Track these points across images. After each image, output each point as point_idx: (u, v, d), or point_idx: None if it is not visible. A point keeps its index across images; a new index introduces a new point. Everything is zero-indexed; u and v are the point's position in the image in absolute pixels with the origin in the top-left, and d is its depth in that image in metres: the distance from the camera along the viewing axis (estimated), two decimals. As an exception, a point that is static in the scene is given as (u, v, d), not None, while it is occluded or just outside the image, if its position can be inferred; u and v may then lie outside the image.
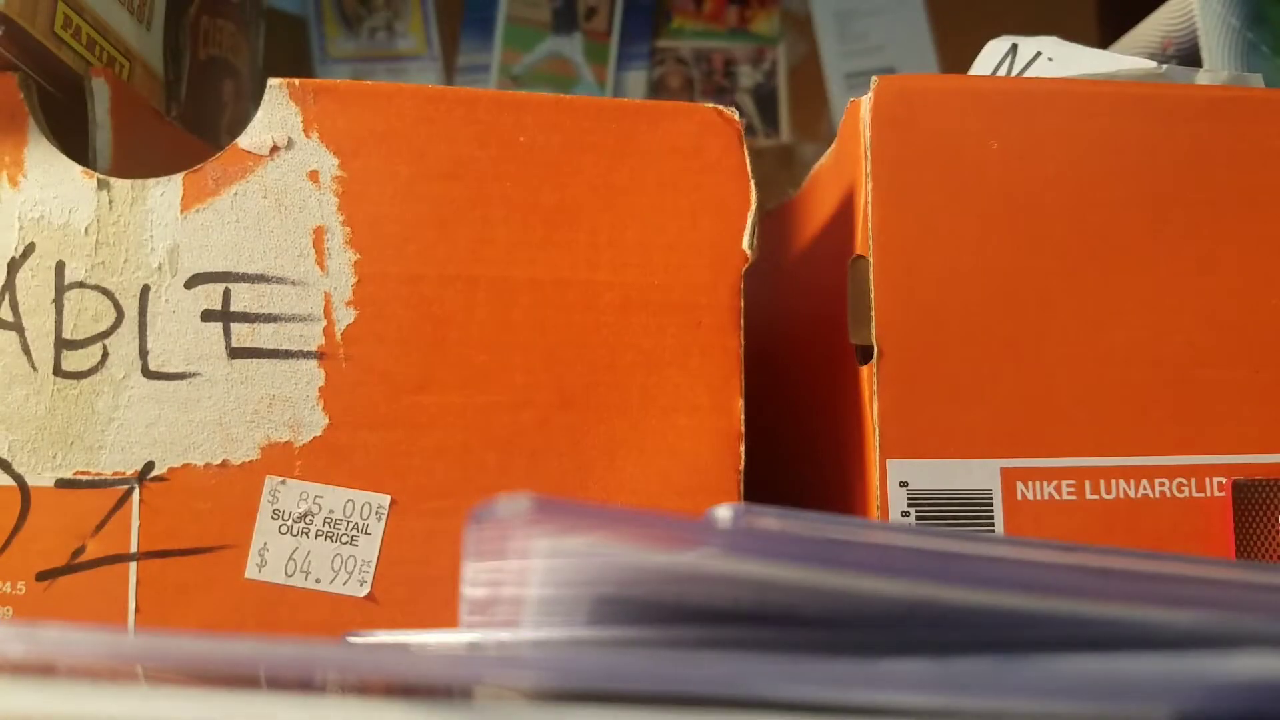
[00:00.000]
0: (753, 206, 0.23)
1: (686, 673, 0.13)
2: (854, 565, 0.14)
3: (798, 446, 0.28)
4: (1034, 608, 0.14)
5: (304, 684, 0.15)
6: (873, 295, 0.22)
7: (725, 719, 0.13)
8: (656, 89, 0.53)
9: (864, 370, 0.22)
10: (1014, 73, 0.28)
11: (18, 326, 0.21)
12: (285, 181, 0.22)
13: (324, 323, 0.22)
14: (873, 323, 0.22)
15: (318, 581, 0.21)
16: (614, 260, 0.22)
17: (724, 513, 0.15)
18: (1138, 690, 0.13)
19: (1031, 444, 0.21)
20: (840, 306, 0.23)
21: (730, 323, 0.22)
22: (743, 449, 0.22)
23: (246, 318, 0.21)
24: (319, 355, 0.21)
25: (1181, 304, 0.22)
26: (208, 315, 0.21)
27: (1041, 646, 0.14)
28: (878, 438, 0.21)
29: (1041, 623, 0.14)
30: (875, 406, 0.22)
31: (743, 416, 0.22)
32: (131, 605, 0.20)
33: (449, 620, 0.21)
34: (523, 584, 0.14)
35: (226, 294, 0.21)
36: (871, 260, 0.22)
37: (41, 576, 0.20)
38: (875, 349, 0.22)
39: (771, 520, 0.15)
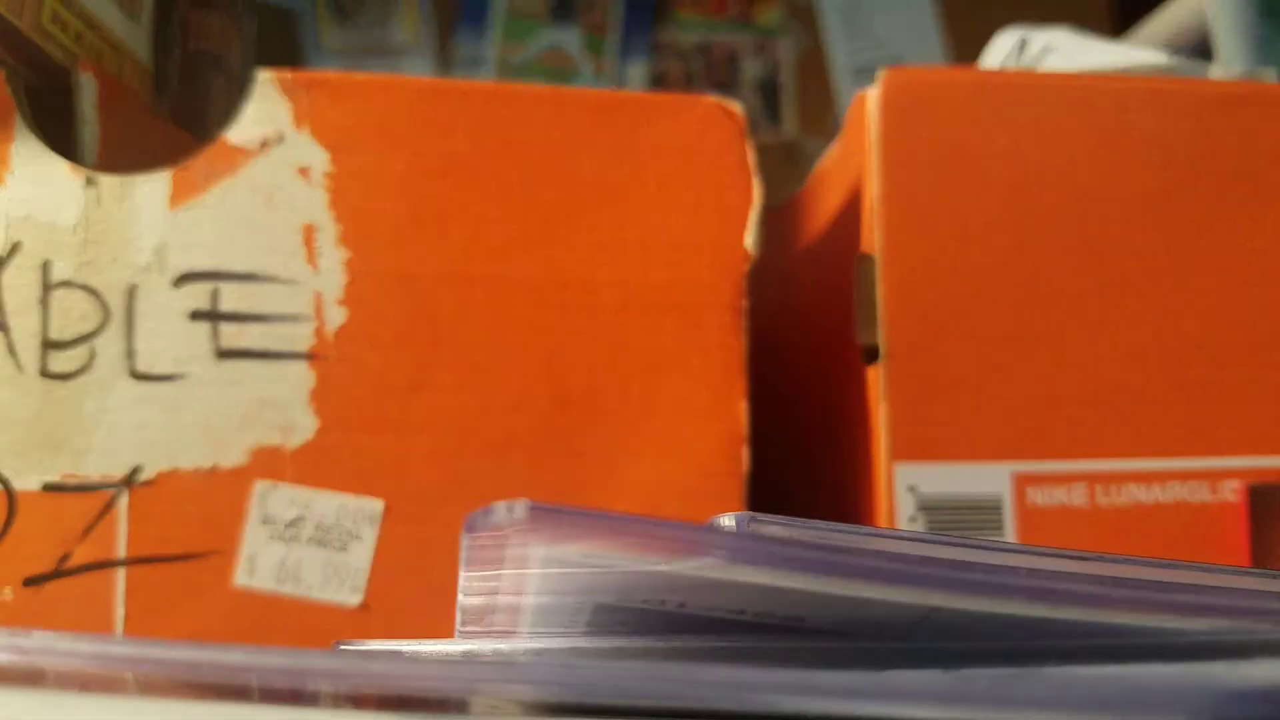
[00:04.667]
0: (756, 203, 0.22)
1: (688, 684, 0.13)
2: (862, 573, 0.14)
3: (803, 450, 0.28)
4: (1046, 616, 0.14)
5: (296, 693, 0.14)
6: (880, 294, 0.21)
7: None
8: (657, 82, 0.52)
9: (871, 371, 0.22)
10: (1023, 65, 0.28)
11: (4, 327, 0.21)
12: (275, 177, 0.21)
13: (315, 323, 0.21)
14: (880, 323, 0.21)
15: (309, 589, 0.20)
16: (614, 259, 0.22)
17: (728, 520, 0.14)
18: (1153, 700, 0.13)
19: (1043, 447, 0.21)
20: (846, 306, 0.23)
21: (733, 323, 0.22)
22: (746, 452, 0.22)
23: (235, 317, 0.21)
24: (310, 356, 0.21)
25: (1195, 302, 0.22)
26: (196, 315, 0.21)
27: (1054, 656, 0.13)
28: (885, 441, 0.21)
29: (1054, 632, 0.14)
30: (883, 409, 0.21)
31: (746, 419, 0.22)
32: (119, 613, 0.20)
33: (444, 629, 0.20)
34: (519, 592, 0.14)
35: (215, 293, 0.21)
36: (878, 258, 0.22)
37: (28, 582, 0.20)
38: (882, 349, 0.21)
39: (777, 528, 0.15)
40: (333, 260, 0.21)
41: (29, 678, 0.14)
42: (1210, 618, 0.14)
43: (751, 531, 0.15)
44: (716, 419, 0.22)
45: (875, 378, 0.21)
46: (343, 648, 0.18)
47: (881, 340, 0.21)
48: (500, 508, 0.13)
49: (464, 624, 0.15)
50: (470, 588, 0.15)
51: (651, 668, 0.13)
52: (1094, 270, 0.22)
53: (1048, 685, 0.13)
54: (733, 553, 0.14)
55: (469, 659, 0.15)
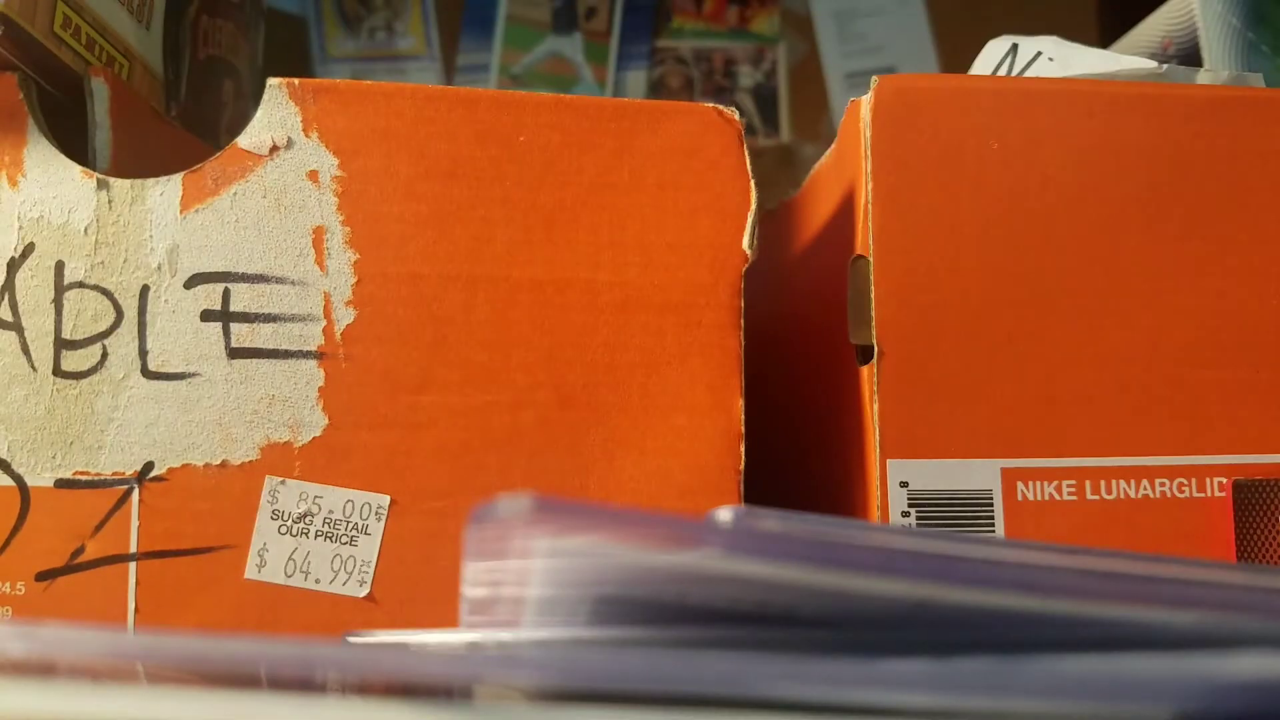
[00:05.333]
0: (753, 206, 0.23)
1: (687, 672, 0.13)
2: (855, 566, 0.14)
3: (798, 446, 0.28)
4: (1035, 608, 0.14)
5: (304, 684, 0.15)
6: (873, 295, 0.22)
7: (726, 719, 0.13)
8: (656, 89, 0.53)
9: (864, 370, 0.22)
10: (1014, 72, 0.28)
11: (17, 326, 0.21)
12: (285, 181, 0.22)
13: (324, 322, 0.21)
14: (873, 323, 0.22)
15: (317, 582, 0.21)
16: (614, 260, 0.22)
17: (725, 514, 0.15)
18: (1139, 690, 0.13)
19: (1032, 444, 0.21)
20: (840, 306, 0.23)
21: (730, 322, 0.22)
22: (743, 449, 0.22)
23: (246, 318, 0.21)
24: (319, 355, 0.21)
25: (1182, 304, 0.22)
26: (207, 315, 0.21)
27: (1043, 647, 0.14)
28: (878, 438, 0.21)
29: (1042, 623, 0.14)
30: (875, 407, 0.22)
31: (743, 416, 0.22)
32: (131, 606, 0.20)
33: (449, 620, 0.21)
34: (523, 584, 0.14)
35: (226, 294, 0.21)
36: (872, 260, 0.22)
37: (41, 577, 0.20)
38: (875, 349, 0.22)
39: (772, 522, 0.15)
40: (341, 262, 0.22)
41: (41, 669, 0.14)
42: (1197, 610, 0.14)
43: (747, 525, 0.15)
44: (714, 416, 0.22)
45: (869, 376, 0.22)
46: (351, 639, 0.18)
47: (875, 340, 0.22)
48: (504, 502, 0.14)
49: (469, 614, 0.15)
50: (475, 579, 0.15)
51: (651, 657, 0.13)
52: (1083, 272, 0.22)
53: (1037, 675, 0.13)
54: (729, 545, 0.14)
55: (473, 649, 0.15)
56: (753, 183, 0.23)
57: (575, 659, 0.13)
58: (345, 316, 0.22)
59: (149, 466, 0.21)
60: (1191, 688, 0.13)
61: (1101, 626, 0.14)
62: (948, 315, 0.22)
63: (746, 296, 0.23)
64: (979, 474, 0.21)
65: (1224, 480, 0.22)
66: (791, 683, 0.13)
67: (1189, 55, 0.32)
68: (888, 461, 0.21)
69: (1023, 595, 0.14)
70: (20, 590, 0.20)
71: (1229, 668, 0.13)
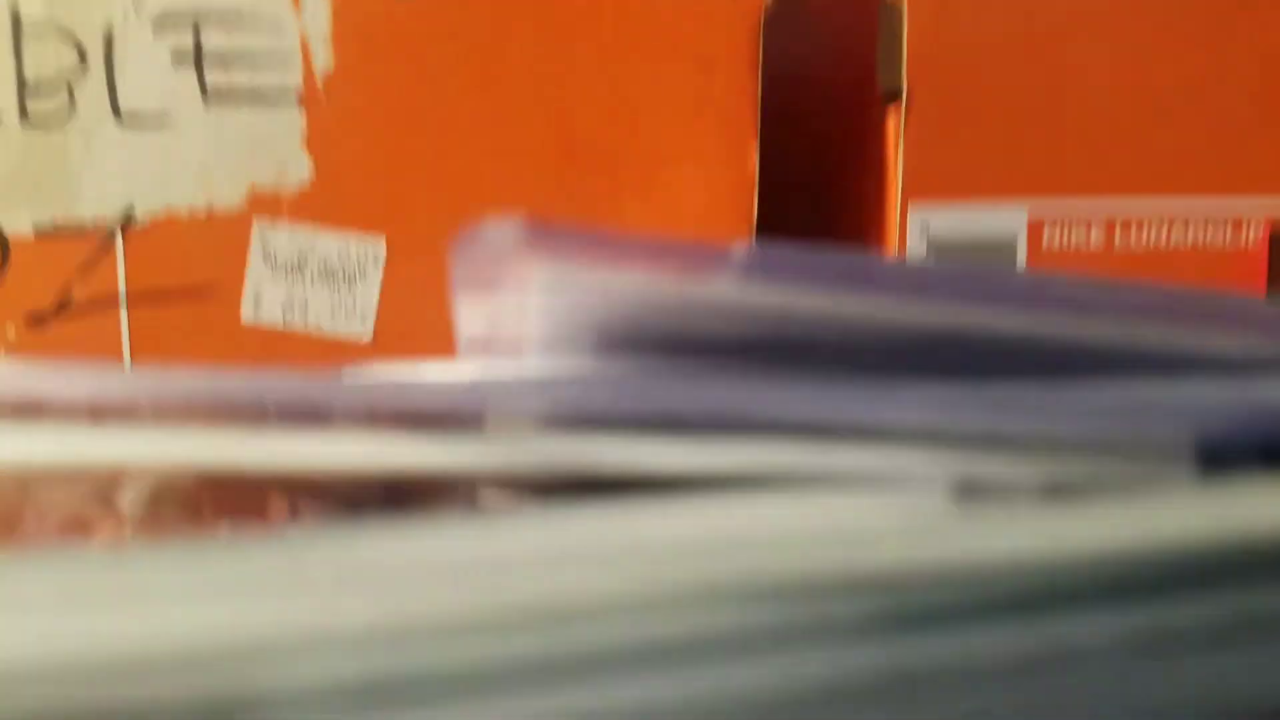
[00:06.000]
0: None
1: (696, 394, 0.13)
2: (878, 288, 0.14)
3: (815, 199, 0.27)
4: (1074, 334, 0.14)
5: (313, 416, 0.14)
6: (905, 35, 0.20)
7: (747, 441, 0.13)
8: None
9: (890, 111, 0.21)
10: None
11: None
12: (251, -99, 0.20)
13: (302, 63, 0.20)
14: (904, 63, 0.20)
15: (318, 326, 0.20)
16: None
17: (740, 246, 0.14)
18: (1153, 412, 0.12)
19: (1059, 184, 0.20)
20: (868, 49, 0.22)
21: (747, 68, 0.21)
22: (755, 198, 0.21)
23: (219, 59, 0.20)
24: (298, 97, 0.20)
25: (1224, 45, 0.21)
26: (178, 56, 0.20)
27: (1074, 372, 0.13)
28: (900, 179, 0.20)
29: (1080, 351, 0.14)
30: (900, 146, 0.20)
31: (757, 166, 0.21)
32: (125, 351, 0.20)
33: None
34: (520, 317, 0.14)
35: (196, 32, 0.20)
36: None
37: (30, 323, 0.20)
38: (904, 89, 0.20)
39: (790, 250, 0.14)
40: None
41: (32, 412, 0.14)
42: (1249, 335, 0.14)
43: (766, 252, 0.14)
44: (727, 166, 0.21)
45: (895, 116, 0.21)
46: (352, 373, 0.18)
47: (904, 80, 0.20)
48: (493, 227, 0.13)
49: (469, 349, 0.15)
50: (470, 317, 0.14)
51: (663, 379, 0.13)
52: (1117, 13, 0.21)
53: (1045, 397, 0.13)
54: (744, 271, 0.13)
55: (480, 379, 0.15)
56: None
57: (584, 385, 0.13)
58: (324, 56, 0.20)
59: (130, 211, 0.20)
60: (1216, 409, 0.12)
61: (1143, 354, 0.14)
62: (978, 55, 0.21)
63: (766, 41, 0.21)
64: (1004, 219, 0.20)
65: (1259, 229, 0.21)
66: (804, 404, 0.13)
67: None
68: (910, 203, 0.20)
69: (1060, 313, 0.14)
70: (10, 335, 0.20)
71: (1264, 391, 0.12)
